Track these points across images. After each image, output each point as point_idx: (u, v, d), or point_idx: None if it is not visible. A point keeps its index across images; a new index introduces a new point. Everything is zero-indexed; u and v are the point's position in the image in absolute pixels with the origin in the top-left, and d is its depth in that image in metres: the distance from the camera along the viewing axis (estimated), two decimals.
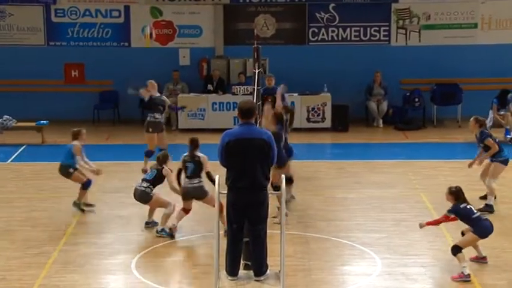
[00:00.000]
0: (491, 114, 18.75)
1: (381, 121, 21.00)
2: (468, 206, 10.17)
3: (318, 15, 21.49)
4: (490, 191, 13.00)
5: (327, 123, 20.48)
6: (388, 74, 20.92)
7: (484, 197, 13.18)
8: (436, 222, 10.44)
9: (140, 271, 10.55)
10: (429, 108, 20.99)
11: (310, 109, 20.51)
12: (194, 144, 11.66)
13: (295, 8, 21.63)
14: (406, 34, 21.55)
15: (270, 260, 7.82)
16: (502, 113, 18.71)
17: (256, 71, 10.35)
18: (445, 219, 10.28)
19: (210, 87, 20.84)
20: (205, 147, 12.20)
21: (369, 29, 21.49)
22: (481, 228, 10.11)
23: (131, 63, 21.21)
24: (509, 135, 18.40)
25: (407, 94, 21.13)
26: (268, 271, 7.66)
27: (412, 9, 21.46)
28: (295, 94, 20.58)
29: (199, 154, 11.55)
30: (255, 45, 10.75)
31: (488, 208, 12.82)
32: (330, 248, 11.33)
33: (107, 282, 10.29)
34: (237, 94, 19.89)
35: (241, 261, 7.78)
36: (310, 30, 21.57)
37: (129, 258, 10.93)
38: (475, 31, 21.31)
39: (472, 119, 13.02)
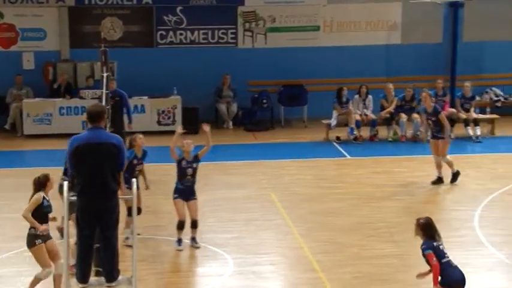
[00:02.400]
0: (334, 114, 19.43)
1: (230, 123, 21.26)
2: (441, 247, 8.45)
3: (165, 18, 21.48)
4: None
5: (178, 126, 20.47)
6: (236, 76, 21.21)
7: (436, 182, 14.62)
8: (437, 272, 8.31)
9: None
10: (277, 109, 21.48)
11: (161, 112, 20.47)
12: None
13: (142, 10, 21.52)
14: (252, 36, 21.94)
15: (121, 265, 7.77)
16: (344, 110, 19.42)
17: (105, 75, 10.23)
18: (435, 266, 8.30)
19: (55, 85, 20.35)
20: (52, 153, 11.94)
21: (216, 31, 21.71)
22: (448, 275, 8.34)
23: None
24: (353, 133, 19.12)
25: (255, 96, 21.52)
26: (120, 277, 7.60)
27: (257, 12, 21.87)
28: (145, 97, 20.48)
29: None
30: (103, 49, 10.62)
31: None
32: (182, 251, 11.39)
33: None
34: (85, 98, 19.56)
35: (92, 268, 7.69)
36: (158, 33, 21.54)
37: None
38: (317, 33, 22.00)
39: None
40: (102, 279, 7.51)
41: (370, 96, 19.72)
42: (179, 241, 11.43)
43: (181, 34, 21.58)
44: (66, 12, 21.08)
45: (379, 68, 21.97)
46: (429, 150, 15.05)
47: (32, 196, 9.33)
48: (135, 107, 20.37)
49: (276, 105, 21.48)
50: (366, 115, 19.54)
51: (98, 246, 7.58)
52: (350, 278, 10.20)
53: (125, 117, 16.99)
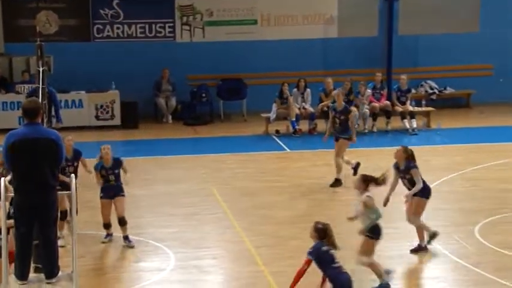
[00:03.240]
0: (274, 107, 19.53)
1: (170, 117, 21.18)
2: (331, 251, 8.43)
3: (102, 11, 21.25)
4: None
5: (117, 121, 20.34)
6: (175, 70, 21.13)
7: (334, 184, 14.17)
8: (298, 276, 8.43)
9: None
10: (216, 103, 21.47)
11: (99, 107, 20.27)
12: None
13: (78, 4, 21.24)
14: (190, 30, 21.88)
15: (61, 261, 7.69)
16: (284, 105, 19.53)
17: (41, 69, 10.08)
18: (306, 264, 8.42)
19: None
20: None
21: (154, 25, 21.58)
22: (338, 282, 8.40)
23: None
24: (296, 126, 19.24)
25: (195, 90, 21.47)
26: (60, 273, 7.52)
27: (195, 5, 21.81)
28: (83, 92, 20.25)
29: None
30: (38, 43, 10.46)
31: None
32: (123, 246, 11.30)
33: None
34: (20, 93, 19.24)
35: (32, 264, 7.58)
36: (95, 27, 21.29)
37: None
38: (255, 27, 22.07)
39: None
40: (42, 275, 7.42)
41: (308, 90, 19.88)
42: (107, 236, 11.52)
43: (118, 28, 21.40)
44: (0, 5, 20.67)
45: (317, 61, 22.16)
46: (369, 143, 15.20)
47: None
48: (73, 101, 20.14)
49: (215, 99, 21.49)
50: (305, 108, 19.69)
51: (37, 243, 7.47)
52: (292, 271, 10.19)
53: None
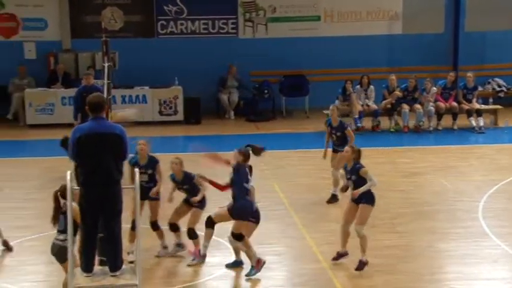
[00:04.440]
0: (337, 104, 19.36)
1: (232, 113, 21.24)
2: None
3: (166, 8, 21.42)
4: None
5: (180, 116, 20.50)
6: (237, 66, 21.17)
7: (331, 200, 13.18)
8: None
9: None
10: (278, 99, 21.44)
11: (162, 102, 20.45)
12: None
13: (142, 0, 21.47)
14: (253, 27, 21.89)
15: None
16: (347, 103, 19.37)
17: (106, 65, 10.21)
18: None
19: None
20: (54, 143, 11.84)
21: (217, 21, 21.66)
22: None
23: None
24: (358, 123, 19.08)
25: (257, 86, 21.48)
26: (123, 266, 7.60)
27: (258, 2, 21.82)
28: (147, 87, 20.46)
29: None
30: (104, 39, 10.60)
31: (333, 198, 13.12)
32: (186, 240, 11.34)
33: None
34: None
35: (96, 257, 7.68)
36: (159, 23, 21.48)
37: None
38: (318, 23, 21.95)
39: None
40: (106, 268, 7.50)
41: (372, 87, 19.69)
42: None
43: (181, 24, 21.54)
44: (67, 2, 21.04)
45: (381, 58, 21.93)
46: (434, 141, 14.95)
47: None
48: (137, 97, 20.36)
49: (278, 95, 21.45)
50: (368, 105, 19.51)
51: (102, 236, 7.56)
52: (353, 269, 10.18)
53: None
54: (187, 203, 10.71)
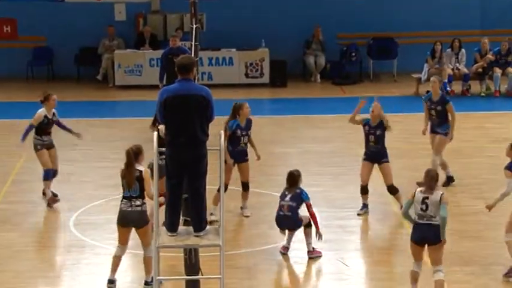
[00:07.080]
0: (426, 67, 19.03)
1: (318, 76, 21.07)
2: None
3: None
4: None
5: (266, 79, 20.48)
6: (325, 29, 20.92)
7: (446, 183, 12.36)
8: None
9: (78, 229, 10.49)
10: (366, 62, 21.15)
11: (249, 64, 20.46)
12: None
13: None
14: None
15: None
16: (437, 66, 18.97)
17: (194, 27, 10.23)
18: None
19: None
20: (142, 104, 12.04)
21: None
22: None
23: (65, 19, 20.79)
24: (448, 88, 18.66)
25: (344, 49, 21.22)
26: (207, 226, 7.68)
27: None
28: (233, 49, 20.48)
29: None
30: (192, 0, 10.62)
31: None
32: (269, 202, 11.41)
33: (45, 240, 10.19)
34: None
35: (181, 217, 7.79)
36: None
37: (68, 217, 10.83)
38: None
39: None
40: (191, 228, 7.60)
41: (463, 50, 19.19)
42: None
43: None
44: None
45: (474, 20, 21.26)
46: None
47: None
48: (223, 59, 20.42)
49: (365, 58, 21.15)
50: (458, 69, 19.06)
51: (187, 196, 7.65)
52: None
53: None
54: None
